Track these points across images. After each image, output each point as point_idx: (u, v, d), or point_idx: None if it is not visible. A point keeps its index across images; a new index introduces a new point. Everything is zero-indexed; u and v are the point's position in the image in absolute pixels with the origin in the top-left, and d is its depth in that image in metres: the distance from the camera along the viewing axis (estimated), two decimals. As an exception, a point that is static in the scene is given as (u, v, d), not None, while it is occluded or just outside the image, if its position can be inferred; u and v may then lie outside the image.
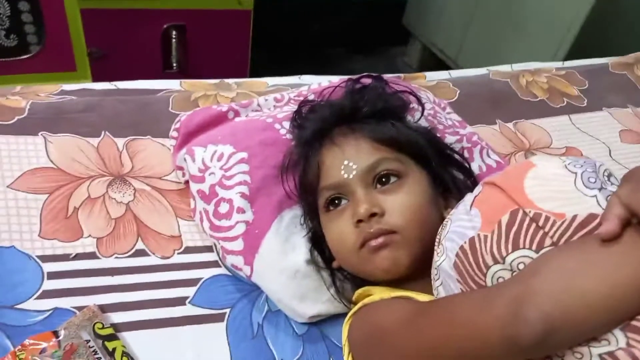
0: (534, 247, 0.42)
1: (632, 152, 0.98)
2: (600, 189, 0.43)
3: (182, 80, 0.96)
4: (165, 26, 1.62)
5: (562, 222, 0.42)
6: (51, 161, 0.72)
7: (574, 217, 0.42)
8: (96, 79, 1.65)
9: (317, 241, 0.63)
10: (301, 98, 0.80)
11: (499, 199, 0.46)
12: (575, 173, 0.45)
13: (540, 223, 0.43)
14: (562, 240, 0.42)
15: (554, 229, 0.42)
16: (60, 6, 1.51)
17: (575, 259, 0.39)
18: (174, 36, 1.64)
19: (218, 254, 0.67)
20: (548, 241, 0.42)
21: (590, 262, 0.38)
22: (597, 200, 0.42)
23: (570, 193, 0.43)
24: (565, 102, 1.07)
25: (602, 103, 1.09)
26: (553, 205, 0.43)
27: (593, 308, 0.36)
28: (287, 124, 0.73)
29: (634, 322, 0.36)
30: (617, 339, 0.36)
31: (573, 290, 0.36)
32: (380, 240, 0.54)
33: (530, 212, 0.44)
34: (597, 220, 0.41)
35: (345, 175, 0.57)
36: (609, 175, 0.46)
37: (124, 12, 1.57)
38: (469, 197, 0.51)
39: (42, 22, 1.53)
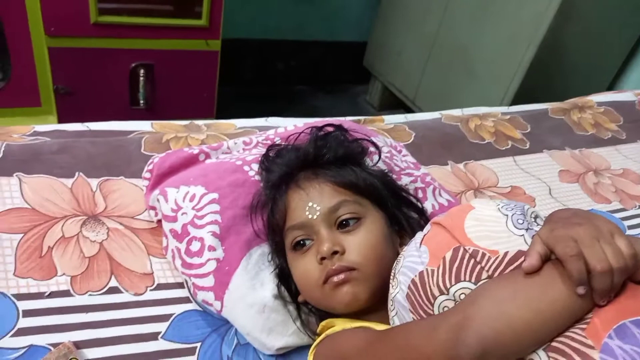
0: (473, 279, 0.49)
1: (569, 191, 1.09)
2: (527, 229, 0.51)
3: (153, 122, 1.00)
4: (133, 65, 1.66)
5: (496, 258, 0.49)
6: (26, 201, 0.74)
7: (506, 254, 0.49)
8: (62, 114, 1.66)
9: (284, 277, 0.68)
10: (269, 142, 0.85)
11: (444, 237, 0.53)
12: (507, 215, 0.52)
13: (478, 259, 0.50)
14: (496, 273, 0.49)
15: (489, 263, 0.49)
16: (28, 44, 1.54)
17: (504, 289, 0.45)
18: (141, 74, 1.67)
19: (189, 290, 0.70)
20: (484, 274, 0.49)
21: (516, 293, 0.44)
22: (525, 239, 0.50)
23: (502, 233, 0.51)
24: (510, 145, 1.17)
25: (543, 145, 1.20)
26: (488, 243, 0.50)
27: (518, 332, 0.42)
28: (255, 166, 0.78)
29: (553, 343, 0.43)
30: (540, 358, 0.42)
31: (502, 317, 0.43)
32: (341, 276, 0.59)
33: (469, 249, 0.50)
34: (524, 257, 0.48)
35: (310, 216, 0.63)
36: (536, 217, 0.54)
37: (92, 51, 1.60)
38: (419, 235, 0.58)
39: (8, 58, 1.54)
